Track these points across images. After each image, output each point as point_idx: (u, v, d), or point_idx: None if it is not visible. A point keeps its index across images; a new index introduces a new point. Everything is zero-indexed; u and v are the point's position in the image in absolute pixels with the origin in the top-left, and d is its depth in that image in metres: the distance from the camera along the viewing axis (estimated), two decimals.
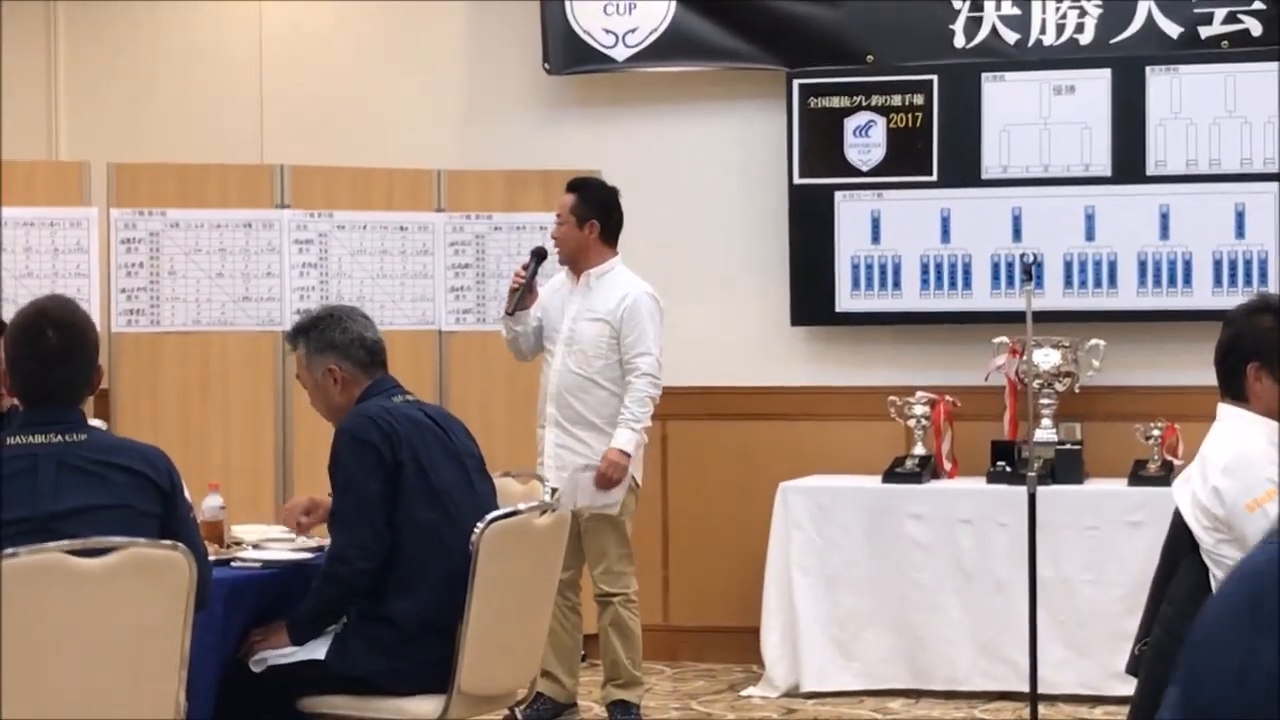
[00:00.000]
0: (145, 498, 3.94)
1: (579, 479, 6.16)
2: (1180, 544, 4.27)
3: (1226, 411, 4.27)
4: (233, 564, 4.64)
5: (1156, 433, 6.81)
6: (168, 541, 3.82)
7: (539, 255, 6.35)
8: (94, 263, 7.16)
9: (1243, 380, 4.20)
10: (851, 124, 7.41)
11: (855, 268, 7.41)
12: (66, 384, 3.97)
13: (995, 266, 7.29)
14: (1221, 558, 4.14)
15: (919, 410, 7.12)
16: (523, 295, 6.29)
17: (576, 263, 6.36)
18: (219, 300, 7.26)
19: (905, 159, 7.36)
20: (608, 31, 7.63)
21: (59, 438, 3.91)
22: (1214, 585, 4.15)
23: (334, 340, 4.70)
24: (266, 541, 4.95)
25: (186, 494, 4.12)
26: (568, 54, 7.68)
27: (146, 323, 7.21)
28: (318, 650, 4.52)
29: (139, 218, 7.21)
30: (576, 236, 6.33)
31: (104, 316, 7.00)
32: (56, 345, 3.94)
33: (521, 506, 4.68)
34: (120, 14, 8.16)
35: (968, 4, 7.32)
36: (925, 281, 7.35)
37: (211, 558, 4.47)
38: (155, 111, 8.10)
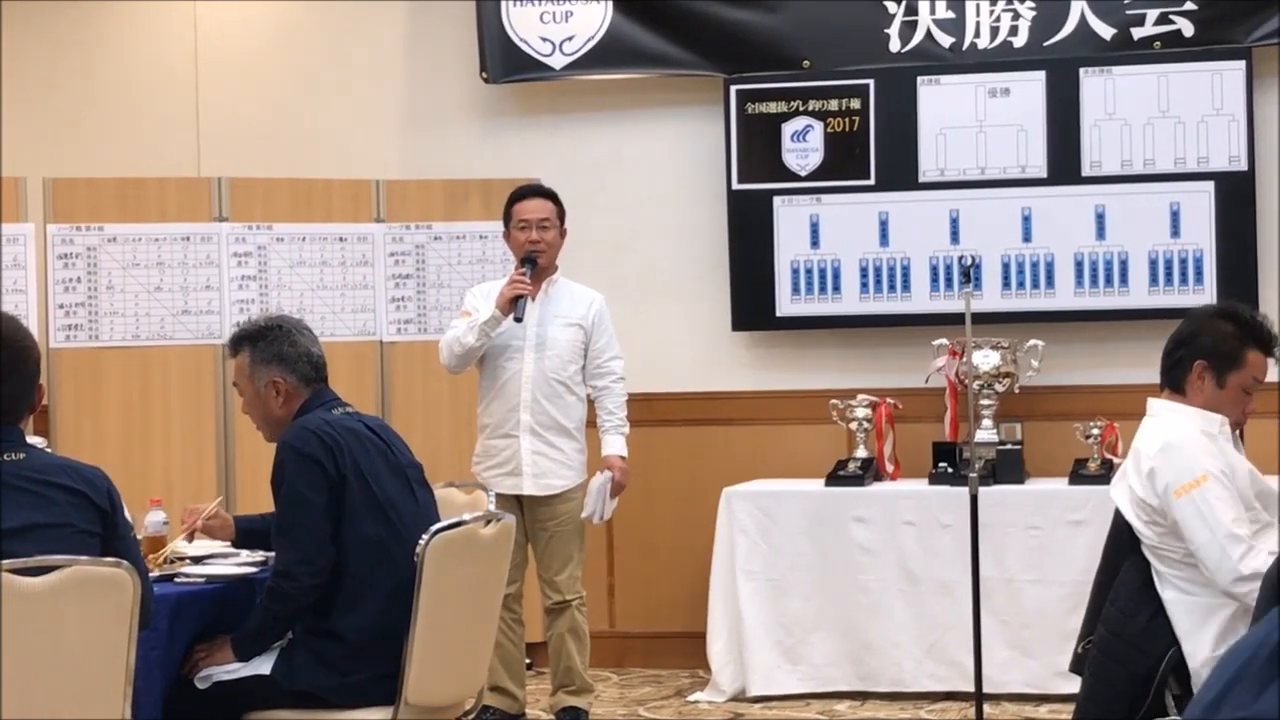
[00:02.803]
0: (85, 517, 3.91)
1: (604, 493, 6.23)
2: (1121, 544, 4.32)
3: (1157, 406, 4.36)
4: (176, 579, 4.61)
5: (1096, 432, 6.86)
6: (111, 559, 3.80)
7: (532, 263, 6.23)
8: (31, 279, 7.10)
9: (1185, 374, 4.29)
10: (789, 129, 7.44)
11: (795, 272, 7.44)
12: (6, 402, 3.93)
13: (934, 269, 7.32)
14: (1166, 552, 4.19)
15: (860, 413, 7.15)
16: (526, 300, 6.18)
17: (546, 269, 6.33)
18: (158, 314, 7.22)
19: (843, 163, 7.38)
20: (545, 40, 7.63)
21: None
22: (1157, 581, 4.20)
23: (282, 353, 4.66)
24: (210, 557, 4.93)
25: (127, 514, 4.10)
26: (505, 63, 7.67)
27: (85, 338, 7.17)
28: (263, 665, 4.50)
29: (76, 233, 7.16)
30: (559, 242, 6.33)
31: (42, 332, 6.95)
32: None
33: (466, 517, 4.68)
34: (53, 29, 8.11)
35: (902, 8, 7.35)
36: (865, 285, 7.38)
37: (154, 574, 4.45)
38: (91, 126, 8.06)
